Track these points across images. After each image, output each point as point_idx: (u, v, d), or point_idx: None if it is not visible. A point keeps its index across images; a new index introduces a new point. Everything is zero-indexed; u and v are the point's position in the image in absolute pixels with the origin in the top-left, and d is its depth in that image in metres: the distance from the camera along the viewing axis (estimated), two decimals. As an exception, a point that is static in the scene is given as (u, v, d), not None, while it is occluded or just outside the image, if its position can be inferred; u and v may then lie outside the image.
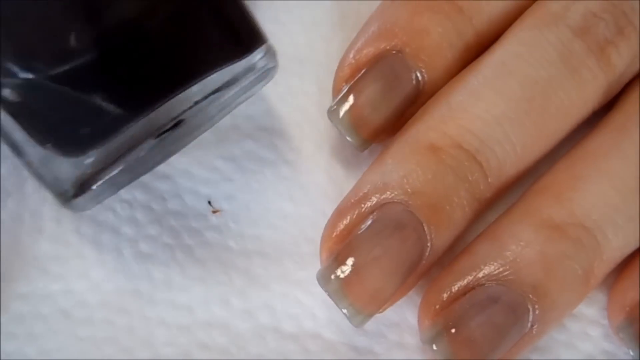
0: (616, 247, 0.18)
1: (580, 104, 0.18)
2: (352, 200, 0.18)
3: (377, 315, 0.19)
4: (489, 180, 0.18)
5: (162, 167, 0.21)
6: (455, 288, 0.18)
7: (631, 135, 0.18)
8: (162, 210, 0.21)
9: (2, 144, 0.21)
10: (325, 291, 0.17)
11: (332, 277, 0.17)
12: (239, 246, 0.20)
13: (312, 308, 0.20)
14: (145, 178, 0.21)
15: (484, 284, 0.17)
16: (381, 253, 0.17)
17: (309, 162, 0.21)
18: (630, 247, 0.18)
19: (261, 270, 0.20)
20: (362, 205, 0.18)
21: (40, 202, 0.20)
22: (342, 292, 0.17)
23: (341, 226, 0.18)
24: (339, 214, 0.18)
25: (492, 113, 0.18)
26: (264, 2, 0.22)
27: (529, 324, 0.17)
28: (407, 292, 0.19)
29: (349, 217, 0.18)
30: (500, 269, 0.17)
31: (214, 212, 0.21)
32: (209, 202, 0.21)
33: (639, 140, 0.18)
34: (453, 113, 0.18)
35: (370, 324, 0.19)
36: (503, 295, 0.17)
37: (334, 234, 0.18)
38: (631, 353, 0.18)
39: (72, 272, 0.20)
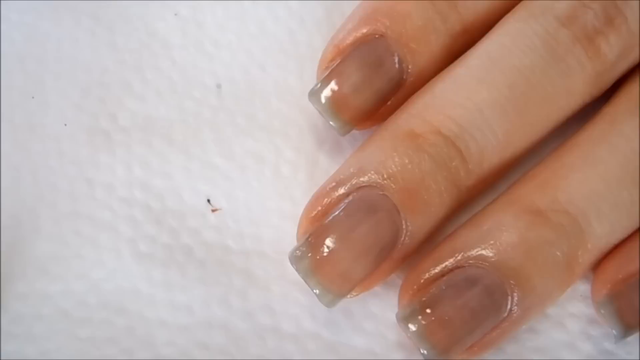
0: (601, 235, 0.18)
1: (566, 92, 0.18)
2: (331, 184, 0.18)
3: (377, 315, 0.20)
4: (469, 166, 0.18)
5: (160, 165, 0.21)
6: (434, 270, 0.18)
7: (620, 127, 0.18)
8: (161, 209, 0.20)
9: (1, 144, 0.21)
10: (296, 270, 0.18)
11: (302, 256, 0.18)
12: (238, 246, 0.20)
13: (311, 308, 0.20)
14: (144, 176, 0.21)
15: (462, 267, 0.17)
16: (352, 234, 0.17)
17: (309, 162, 0.21)
18: (616, 236, 0.18)
19: (260, 271, 0.20)
20: (339, 189, 0.18)
21: (38, 201, 0.20)
22: (312, 271, 0.17)
23: (318, 208, 0.18)
24: (317, 196, 0.18)
25: (474, 100, 0.18)
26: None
27: (508, 309, 0.17)
28: (385, 278, 0.19)
29: (325, 200, 0.18)
30: (480, 252, 0.17)
31: (213, 210, 0.21)
32: (208, 201, 0.21)
33: (627, 132, 0.18)
34: (435, 101, 0.18)
35: (370, 324, 0.20)
36: (481, 278, 0.17)
37: (311, 215, 0.18)
38: (614, 332, 0.18)
39: (71, 272, 0.20)
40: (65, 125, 0.21)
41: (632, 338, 0.19)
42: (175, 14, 0.22)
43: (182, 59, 0.22)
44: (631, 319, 0.18)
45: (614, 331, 0.18)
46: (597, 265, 0.19)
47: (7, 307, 0.19)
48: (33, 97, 0.21)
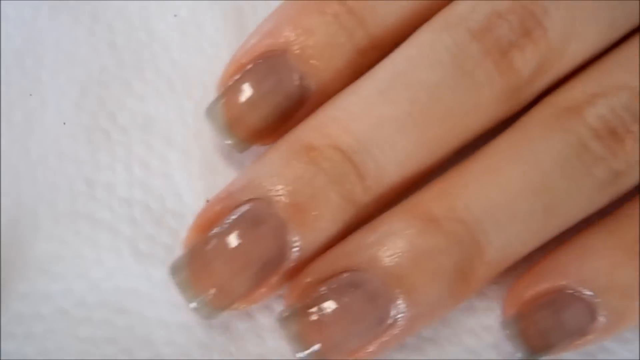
0: (499, 247, 0.17)
1: (474, 108, 0.17)
2: (223, 195, 0.18)
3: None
4: (367, 183, 0.17)
5: (160, 165, 0.21)
6: (321, 273, 0.17)
7: (529, 137, 0.17)
8: (161, 209, 0.20)
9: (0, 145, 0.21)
10: (174, 282, 0.17)
11: (181, 267, 0.17)
12: (238, 246, 0.20)
13: (311, 308, 0.20)
14: (144, 176, 0.21)
15: (348, 271, 0.17)
16: (232, 248, 0.17)
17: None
18: (516, 250, 0.18)
19: (261, 270, 0.20)
20: (229, 200, 0.18)
21: (37, 201, 0.20)
22: (189, 283, 0.17)
23: (206, 219, 0.18)
24: (207, 207, 0.18)
25: (374, 114, 0.17)
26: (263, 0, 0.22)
27: (391, 316, 0.17)
28: (276, 292, 0.18)
29: (214, 211, 0.18)
30: (367, 257, 0.17)
31: (214, 210, 0.21)
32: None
33: (534, 143, 0.17)
34: (337, 114, 0.18)
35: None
36: (364, 283, 0.17)
37: (198, 225, 0.18)
38: (519, 355, 0.18)
39: (71, 271, 0.20)
40: (65, 124, 0.21)
41: (633, 336, 0.19)
42: (175, 15, 0.22)
43: (182, 59, 0.22)
44: (536, 342, 0.17)
45: (519, 354, 0.18)
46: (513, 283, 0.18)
47: (7, 307, 0.19)
48: (31, 95, 0.21)
